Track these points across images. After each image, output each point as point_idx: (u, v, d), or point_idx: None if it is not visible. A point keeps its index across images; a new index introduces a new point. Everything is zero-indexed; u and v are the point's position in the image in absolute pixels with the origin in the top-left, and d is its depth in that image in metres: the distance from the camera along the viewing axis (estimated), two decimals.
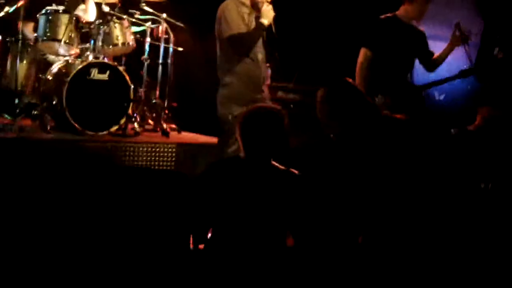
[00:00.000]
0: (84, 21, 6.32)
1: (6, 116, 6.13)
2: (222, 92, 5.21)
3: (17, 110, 6.02)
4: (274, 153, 3.38)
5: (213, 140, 6.46)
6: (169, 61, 6.98)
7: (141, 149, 5.83)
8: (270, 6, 5.10)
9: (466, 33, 5.56)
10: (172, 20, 6.85)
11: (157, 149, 5.89)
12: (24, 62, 6.32)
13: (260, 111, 3.49)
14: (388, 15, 5.67)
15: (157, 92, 6.91)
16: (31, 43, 6.25)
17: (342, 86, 3.79)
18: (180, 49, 7.01)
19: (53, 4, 6.23)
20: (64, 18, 6.09)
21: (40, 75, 6.35)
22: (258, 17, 5.12)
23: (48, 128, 5.92)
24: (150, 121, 6.82)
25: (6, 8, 4.36)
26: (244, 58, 5.15)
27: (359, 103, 3.66)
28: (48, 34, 6.09)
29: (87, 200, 4.13)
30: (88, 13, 6.55)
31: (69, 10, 6.25)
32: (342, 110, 3.62)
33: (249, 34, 5.09)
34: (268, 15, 5.07)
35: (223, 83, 5.21)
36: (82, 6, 6.58)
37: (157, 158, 5.88)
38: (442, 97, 6.86)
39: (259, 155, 3.36)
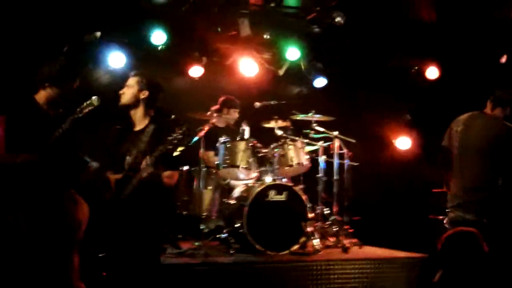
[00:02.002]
0: (260, 146, 6.62)
1: (194, 241, 6.46)
2: None
3: (204, 235, 6.35)
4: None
5: (396, 253, 6.28)
6: (345, 176, 7.02)
7: (320, 267, 5.79)
8: None
9: None
10: (344, 137, 6.95)
11: (336, 267, 5.81)
12: (209, 188, 6.72)
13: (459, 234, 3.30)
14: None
15: (335, 208, 6.93)
16: (214, 171, 6.66)
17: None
18: (355, 163, 7.04)
19: (223, 136, 6.65)
20: (241, 145, 6.47)
21: (224, 200, 6.69)
22: None
23: (232, 251, 6.13)
24: (330, 238, 6.79)
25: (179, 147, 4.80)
26: None
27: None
28: (228, 161, 6.46)
29: None
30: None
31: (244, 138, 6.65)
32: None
33: None
34: None
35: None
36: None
37: (336, 276, 5.80)
38: None
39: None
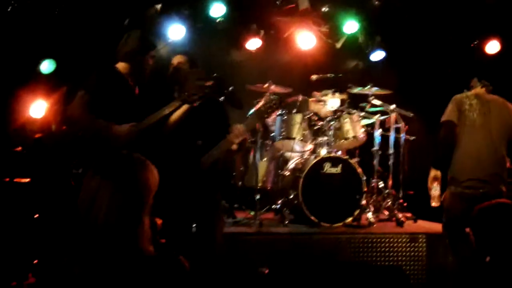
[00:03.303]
0: (316, 119, 6.66)
1: (249, 211, 6.59)
2: None
3: (259, 205, 6.46)
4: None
5: None
6: (401, 150, 7.01)
7: (374, 240, 5.85)
8: None
9: None
10: (401, 111, 6.90)
11: (390, 240, 5.86)
12: (264, 160, 6.81)
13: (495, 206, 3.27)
14: None
15: (390, 182, 6.93)
16: (269, 142, 6.74)
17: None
18: (412, 138, 7.01)
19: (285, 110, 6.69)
20: (297, 118, 6.53)
21: (279, 172, 6.78)
22: None
23: (286, 221, 6.23)
24: (384, 211, 6.81)
25: None
26: None
27: None
28: (283, 133, 6.53)
29: None
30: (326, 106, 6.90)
31: (301, 111, 6.68)
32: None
33: None
34: None
35: None
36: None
37: (390, 249, 5.85)
38: None
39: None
